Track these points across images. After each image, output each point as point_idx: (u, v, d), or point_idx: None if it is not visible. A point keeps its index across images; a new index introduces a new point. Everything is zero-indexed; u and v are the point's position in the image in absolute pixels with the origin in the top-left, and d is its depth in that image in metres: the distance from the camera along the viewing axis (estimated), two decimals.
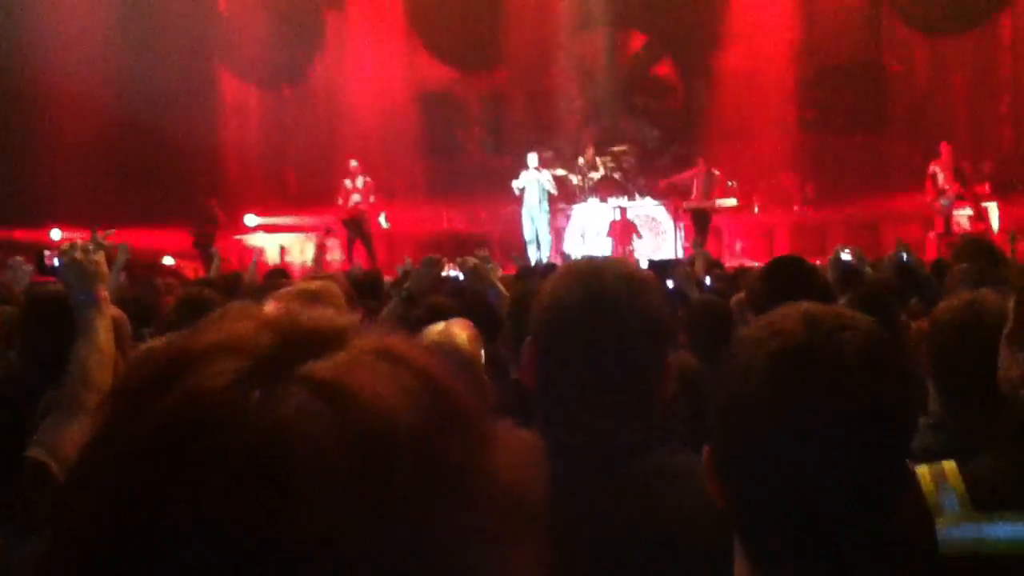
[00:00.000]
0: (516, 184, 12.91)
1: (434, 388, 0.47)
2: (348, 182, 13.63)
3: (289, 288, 2.75)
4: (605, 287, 1.36)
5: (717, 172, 13.29)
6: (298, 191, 17.90)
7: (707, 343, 3.06)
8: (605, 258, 1.68)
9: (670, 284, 4.85)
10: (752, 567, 1.00)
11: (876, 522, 0.98)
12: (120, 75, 13.94)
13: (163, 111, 14.27)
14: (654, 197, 13.97)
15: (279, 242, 15.38)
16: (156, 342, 2.84)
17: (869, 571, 0.99)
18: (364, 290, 4.56)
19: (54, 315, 2.07)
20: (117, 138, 13.80)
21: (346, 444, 0.43)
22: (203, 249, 14.16)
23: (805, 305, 1.04)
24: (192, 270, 13.09)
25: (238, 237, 15.38)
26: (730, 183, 13.36)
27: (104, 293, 2.11)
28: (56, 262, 2.43)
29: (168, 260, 13.57)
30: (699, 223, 13.05)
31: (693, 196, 13.33)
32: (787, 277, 2.54)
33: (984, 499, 1.47)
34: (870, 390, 0.97)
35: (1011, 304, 1.61)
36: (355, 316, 0.52)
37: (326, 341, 0.47)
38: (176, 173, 14.58)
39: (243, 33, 16.30)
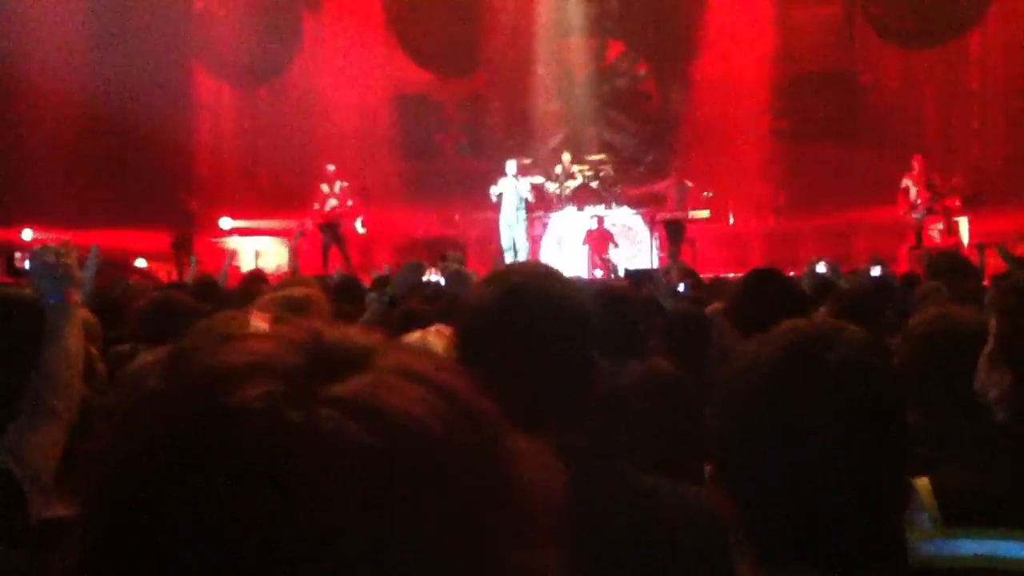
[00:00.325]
0: (493, 191, 12.92)
1: (458, 405, 0.49)
2: (325, 186, 13.57)
3: (274, 295, 2.74)
4: (517, 285, 1.38)
5: (690, 184, 13.42)
6: (273, 192, 17.78)
7: (684, 351, 3.09)
8: (525, 262, 1.72)
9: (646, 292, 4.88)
10: (757, 568, 1.02)
11: (878, 524, 1.00)
12: (93, 72, 13.76)
13: (137, 109, 14.11)
14: (631, 206, 14.03)
15: (254, 246, 15.26)
16: (151, 354, 2.81)
17: (871, 573, 1.00)
18: (343, 295, 4.55)
19: (22, 317, 2.05)
20: (89, 136, 13.65)
21: (380, 463, 0.44)
22: (181, 250, 14.03)
23: (807, 320, 1.09)
24: (165, 272, 12.96)
25: (213, 240, 15.26)
26: (706, 194, 13.45)
27: (75, 297, 2.11)
28: (27, 264, 2.43)
29: (140, 262, 13.43)
30: (672, 234, 13.13)
31: (667, 206, 13.43)
32: (766, 289, 2.57)
33: (956, 514, 1.49)
34: (872, 391, 1.01)
35: (992, 323, 1.64)
36: (377, 334, 0.54)
37: (352, 360, 0.49)
38: (149, 173, 14.44)
39: (219, 31, 16.18)
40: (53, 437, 1.91)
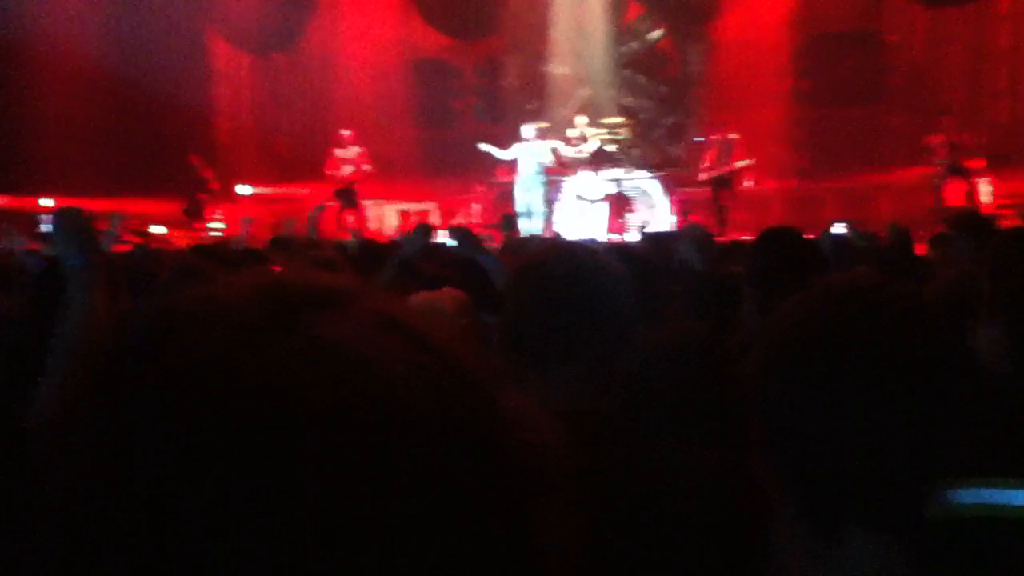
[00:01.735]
0: (499, 153, 12.87)
1: (440, 359, 0.45)
2: (339, 151, 13.53)
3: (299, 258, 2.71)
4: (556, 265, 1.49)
5: (734, 136, 13.08)
6: (289, 158, 17.80)
7: (714, 315, 3.03)
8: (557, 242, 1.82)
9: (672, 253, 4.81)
10: (809, 535, 0.98)
11: (931, 481, 0.97)
12: (109, 39, 13.80)
13: (153, 76, 14.14)
14: (647, 170, 13.89)
15: (271, 212, 15.30)
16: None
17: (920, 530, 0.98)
18: (365, 259, 4.53)
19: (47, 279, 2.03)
20: (105, 103, 13.68)
21: (346, 407, 0.41)
22: (193, 216, 14.09)
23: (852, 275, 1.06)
24: (182, 238, 13.02)
25: (233, 206, 15.32)
26: (745, 162, 13.11)
27: (99, 258, 2.07)
28: (49, 227, 2.42)
29: (159, 229, 13.49)
30: (717, 191, 12.98)
31: (706, 165, 13.15)
32: (780, 247, 2.51)
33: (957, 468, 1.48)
34: (926, 343, 0.97)
35: (983, 284, 1.61)
36: (351, 279, 0.50)
37: (321, 305, 0.45)
38: (166, 139, 14.48)
39: None
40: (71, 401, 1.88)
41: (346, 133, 13.61)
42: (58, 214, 2.09)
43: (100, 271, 2.05)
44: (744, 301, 3.22)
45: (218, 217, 15.00)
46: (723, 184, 12.94)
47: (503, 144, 13.05)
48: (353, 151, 13.46)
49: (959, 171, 12.28)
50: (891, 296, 0.99)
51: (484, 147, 12.94)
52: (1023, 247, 1.59)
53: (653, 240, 7.34)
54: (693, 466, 1.35)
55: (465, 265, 3.57)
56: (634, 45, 17.02)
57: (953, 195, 12.32)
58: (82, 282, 2.00)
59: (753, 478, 1.04)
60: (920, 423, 0.95)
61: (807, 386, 0.97)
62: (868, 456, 0.94)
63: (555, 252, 1.57)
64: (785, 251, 2.44)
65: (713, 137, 13.19)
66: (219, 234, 14.17)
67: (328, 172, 13.54)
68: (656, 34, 16.93)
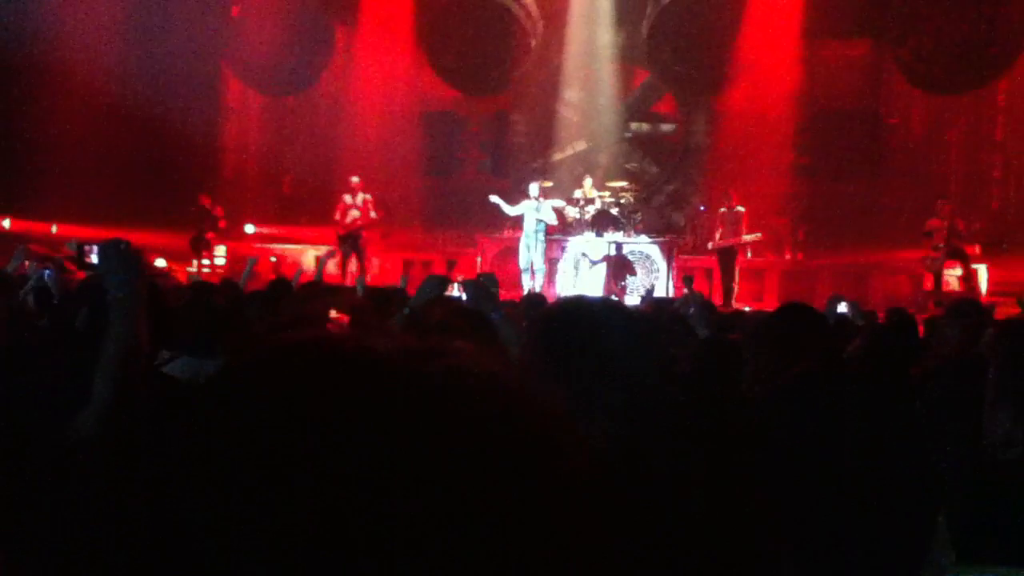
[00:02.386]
0: (507, 208, 13.00)
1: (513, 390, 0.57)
2: (348, 197, 13.63)
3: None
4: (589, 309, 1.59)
5: (742, 208, 13.26)
6: (295, 200, 17.95)
7: (714, 381, 3.11)
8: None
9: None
10: None
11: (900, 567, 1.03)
12: (124, 68, 13.95)
13: (166, 110, 14.31)
14: (648, 235, 14.06)
15: (273, 250, 15.41)
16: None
17: None
18: (374, 305, 4.61)
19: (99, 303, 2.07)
20: (116, 133, 13.78)
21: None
22: (198, 251, 14.17)
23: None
24: (184, 273, 13.08)
25: (238, 244, 15.44)
26: (753, 235, 13.25)
27: (141, 291, 2.11)
28: (94, 258, 2.45)
29: (160, 262, 13.55)
30: (725, 261, 13.12)
31: (720, 236, 13.33)
32: (798, 321, 2.60)
33: (968, 551, 1.53)
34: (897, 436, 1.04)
35: (991, 370, 1.68)
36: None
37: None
38: (174, 173, 14.59)
39: (252, 38, 16.38)
40: (108, 424, 1.92)
41: (355, 180, 13.71)
42: (105, 245, 2.14)
43: (141, 301, 2.10)
44: (746, 367, 3.31)
45: (220, 253, 15.11)
46: (731, 255, 13.10)
47: (510, 199, 13.22)
48: (360, 198, 13.57)
49: (958, 255, 12.43)
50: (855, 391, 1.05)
51: (494, 199, 13.07)
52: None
53: (655, 304, 7.47)
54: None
55: (474, 319, 3.64)
56: (640, 111, 17.34)
57: (951, 279, 12.49)
58: (124, 310, 2.04)
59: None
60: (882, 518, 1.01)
61: (787, 468, 1.04)
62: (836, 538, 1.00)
63: (580, 306, 1.65)
64: (801, 324, 2.53)
65: (721, 209, 13.37)
66: (220, 269, 14.26)
67: (336, 218, 13.63)
68: (668, 128, 17.26)
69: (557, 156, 17.21)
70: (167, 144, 14.27)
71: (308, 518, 0.47)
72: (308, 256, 15.55)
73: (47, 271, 4.61)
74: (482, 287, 3.60)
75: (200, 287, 6.10)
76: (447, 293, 5.31)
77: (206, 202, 14.31)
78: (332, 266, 14.54)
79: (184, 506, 0.49)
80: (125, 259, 2.11)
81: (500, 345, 3.42)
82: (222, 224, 14.29)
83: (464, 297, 4.78)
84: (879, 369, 3.17)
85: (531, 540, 0.50)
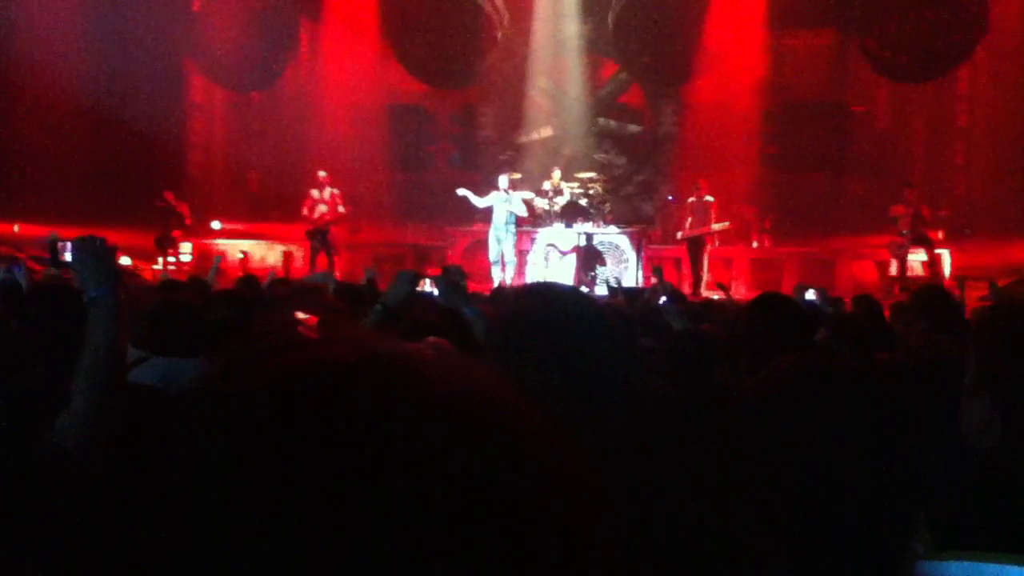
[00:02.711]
0: (477, 201, 12.96)
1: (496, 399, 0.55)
2: (315, 192, 13.54)
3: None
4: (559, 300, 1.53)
5: (711, 198, 13.35)
6: (262, 196, 17.80)
7: (690, 374, 3.11)
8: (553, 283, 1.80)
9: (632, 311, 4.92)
10: None
11: (882, 553, 1.02)
12: (86, 66, 13.73)
13: (129, 107, 14.11)
14: (618, 225, 14.10)
15: (240, 247, 15.27)
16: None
17: None
18: (344, 302, 4.56)
19: (71, 306, 1.99)
20: (80, 131, 13.58)
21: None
22: (163, 249, 14.00)
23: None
24: (149, 271, 12.92)
25: (204, 241, 15.26)
26: (720, 224, 13.33)
27: (118, 290, 2.01)
28: (68, 256, 2.33)
29: (126, 260, 13.38)
30: (694, 250, 13.21)
31: (689, 225, 13.39)
32: (776, 313, 2.59)
33: (945, 539, 1.54)
34: (879, 423, 1.03)
35: (968, 358, 1.69)
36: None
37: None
38: (139, 171, 14.40)
39: (216, 34, 16.16)
40: (91, 431, 1.85)
41: (322, 174, 13.62)
42: (78, 242, 2.04)
43: (120, 301, 2.00)
44: (721, 361, 3.31)
45: (186, 251, 14.94)
46: (700, 244, 13.19)
47: (480, 192, 13.19)
48: (328, 192, 13.48)
49: (923, 241, 12.60)
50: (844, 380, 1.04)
51: (462, 192, 13.03)
52: (1007, 325, 1.67)
53: (625, 295, 7.47)
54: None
55: (448, 315, 3.60)
56: (607, 103, 17.34)
57: (915, 265, 12.65)
58: (102, 312, 1.95)
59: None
60: (869, 500, 1.00)
61: (767, 459, 1.03)
62: (821, 526, 1.00)
63: (542, 295, 1.58)
64: (780, 317, 2.53)
65: (691, 199, 13.44)
66: (187, 266, 14.10)
67: (303, 213, 13.53)
68: (635, 129, 17.29)
69: (523, 139, 17.16)
70: (131, 142, 14.07)
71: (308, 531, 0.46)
72: (276, 252, 15.43)
73: (16, 267, 4.49)
74: (454, 283, 3.53)
75: (170, 286, 6.02)
76: (419, 289, 5.27)
77: (170, 198, 14.11)
78: (299, 260, 14.48)
79: (177, 518, 0.48)
80: (100, 257, 2.02)
81: (474, 342, 3.39)
82: (188, 222, 14.11)
83: (436, 292, 4.75)
84: (849, 357, 3.19)
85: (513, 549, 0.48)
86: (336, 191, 13.51)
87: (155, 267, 13.58)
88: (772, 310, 2.60)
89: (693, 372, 3.08)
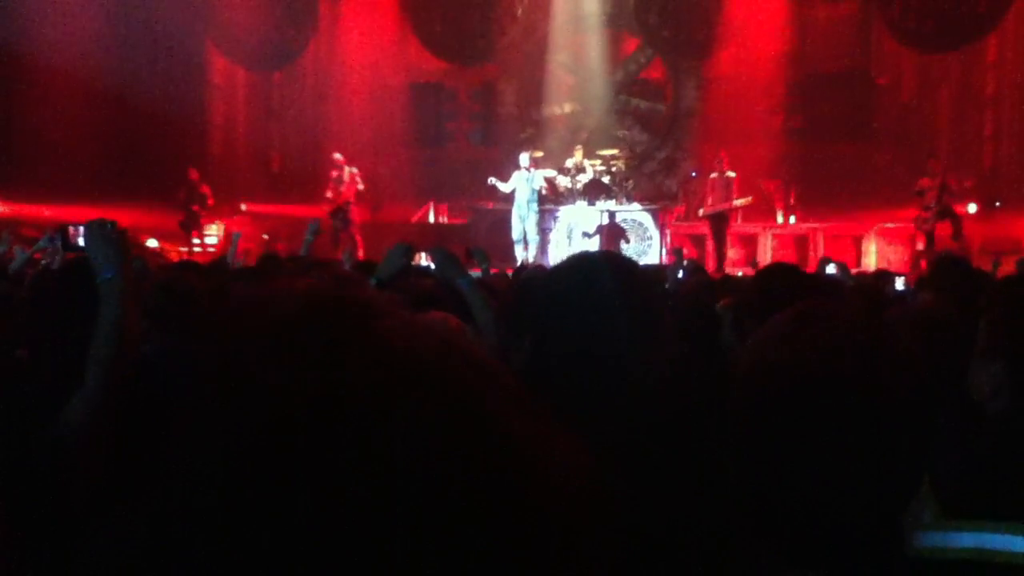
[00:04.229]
0: (503, 186, 12.90)
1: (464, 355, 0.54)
2: (335, 173, 13.59)
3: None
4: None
5: (733, 174, 13.20)
6: (284, 176, 17.86)
7: (697, 341, 3.11)
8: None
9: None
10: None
11: (886, 520, 1.01)
12: (107, 47, 13.78)
13: (150, 90, 14.17)
14: (641, 202, 14.02)
15: (262, 230, 15.34)
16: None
17: (871, 567, 1.01)
18: (365, 276, 4.56)
19: (85, 287, 2.00)
20: (101, 112, 13.64)
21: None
22: (188, 230, 14.10)
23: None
24: (176, 253, 13.04)
25: (224, 221, 15.35)
26: (743, 200, 13.19)
27: (130, 271, 2.03)
28: (80, 240, 2.33)
29: (152, 242, 13.50)
30: (717, 226, 13.11)
31: (711, 201, 13.29)
32: (780, 282, 2.58)
33: (953, 506, 1.52)
34: (886, 387, 1.03)
35: (982, 323, 1.67)
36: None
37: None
38: (161, 151, 14.47)
39: (235, 13, 16.17)
40: (104, 414, 1.85)
41: (337, 156, 13.66)
42: (89, 226, 2.05)
43: (130, 284, 2.01)
44: (723, 329, 3.29)
45: (212, 232, 15.04)
46: (722, 220, 13.09)
47: (501, 170, 13.14)
48: (347, 172, 13.52)
49: (949, 214, 12.39)
50: (850, 329, 1.03)
51: (493, 181, 12.94)
52: (1022, 289, 1.65)
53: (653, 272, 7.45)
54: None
55: (444, 288, 3.56)
56: (630, 78, 17.20)
57: (943, 237, 12.47)
58: (113, 295, 1.96)
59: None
60: (879, 461, 0.98)
61: (766, 430, 1.01)
62: (829, 494, 0.97)
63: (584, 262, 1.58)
64: (785, 285, 2.51)
65: (713, 174, 13.31)
66: (212, 249, 14.20)
67: (328, 196, 13.59)
68: (658, 107, 17.10)
69: (545, 113, 17.06)
70: (153, 124, 14.14)
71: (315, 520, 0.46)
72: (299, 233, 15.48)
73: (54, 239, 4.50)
74: (448, 253, 3.45)
75: (185, 266, 6.05)
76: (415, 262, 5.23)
77: (195, 176, 14.15)
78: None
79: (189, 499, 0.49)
80: (111, 240, 2.03)
81: (468, 315, 3.35)
82: (211, 203, 14.19)
83: (432, 266, 4.73)
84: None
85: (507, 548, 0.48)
86: (354, 170, 13.55)
87: (182, 249, 13.69)
88: (775, 277, 2.59)
89: (698, 339, 3.08)
